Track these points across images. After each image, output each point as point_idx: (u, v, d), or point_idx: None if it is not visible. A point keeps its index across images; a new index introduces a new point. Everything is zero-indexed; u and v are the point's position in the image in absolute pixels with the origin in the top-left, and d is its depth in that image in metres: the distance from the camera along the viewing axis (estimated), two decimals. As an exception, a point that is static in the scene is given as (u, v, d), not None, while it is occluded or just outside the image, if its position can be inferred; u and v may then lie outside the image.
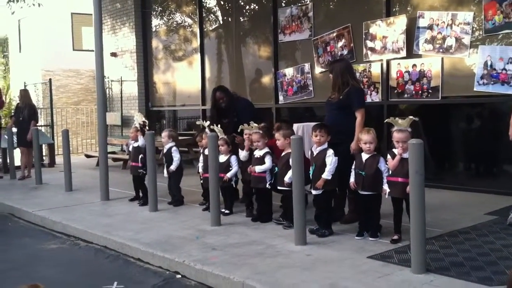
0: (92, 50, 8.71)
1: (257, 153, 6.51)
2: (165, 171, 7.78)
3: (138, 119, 8.17)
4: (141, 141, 7.82)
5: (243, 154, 6.85)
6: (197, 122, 6.82)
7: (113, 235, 6.35)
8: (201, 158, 7.40)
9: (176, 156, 7.67)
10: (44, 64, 19.97)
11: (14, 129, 11.77)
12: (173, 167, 7.64)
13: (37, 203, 8.47)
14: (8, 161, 11.88)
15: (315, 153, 5.81)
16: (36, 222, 7.76)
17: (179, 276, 5.15)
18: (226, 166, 6.86)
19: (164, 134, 7.88)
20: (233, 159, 6.92)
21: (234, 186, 7.00)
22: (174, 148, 7.74)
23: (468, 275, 4.30)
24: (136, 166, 7.92)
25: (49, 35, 19.85)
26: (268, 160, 6.39)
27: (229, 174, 6.82)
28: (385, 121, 5.66)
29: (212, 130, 6.94)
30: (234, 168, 6.90)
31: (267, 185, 6.41)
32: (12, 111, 12.87)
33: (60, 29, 20.00)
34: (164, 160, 7.86)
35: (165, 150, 7.81)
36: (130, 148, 8.21)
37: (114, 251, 6.11)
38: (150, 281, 5.11)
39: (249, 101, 8.56)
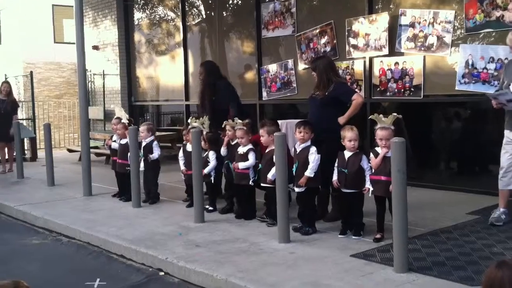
0: (74, 43, 8.64)
1: (241, 150, 6.52)
2: (141, 164, 7.61)
3: (121, 114, 8.13)
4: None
5: (222, 150, 6.86)
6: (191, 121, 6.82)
7: (96, 231, 6.34)
8: (181, 153, 7.37)
9: (156, 150, 7.62)
10: (25, 56, 19.74)
11: None
12: (155, 154, 7.56)
13: (19, 198, 8.41)
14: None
15: (298, 150, 5.83)
16: (18, 217, 7.71)
17: (162, 273, 5.16)
18: (205, 162, 6.85)
19: (143, 128, 7.77)
20: (211, 154, 6.92)
21: (212, 182, 7.00)
22: (155, 143, 7.68)
23: (449, 274, 4.36)
24: (124, 163, 7.75)
25: (30, 27, 19.61)
26: (251, 157, 6.41)
27: (206, 170, 6.82)
28: (369, 117, 5.69)
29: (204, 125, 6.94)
30: (212, 163, 6.89)
31: (250, 182, 6.42)
32: None
33: (41, 21, 19.77)
34: (141, 153, 7.74)
35: (144, 143, 7.71)
36: (114, 146, 8.11)
37: (97, 247, 6.10)
38: (133, 278, 5.11)
39: (232, 90, 8.38)
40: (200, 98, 8.11)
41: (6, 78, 14.09)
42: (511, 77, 5.76)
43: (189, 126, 7.13)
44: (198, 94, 8.30)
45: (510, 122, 5.79)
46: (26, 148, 13.68)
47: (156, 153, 7.60)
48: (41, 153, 12.40)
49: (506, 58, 6.77)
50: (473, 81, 7.42)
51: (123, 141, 7.82)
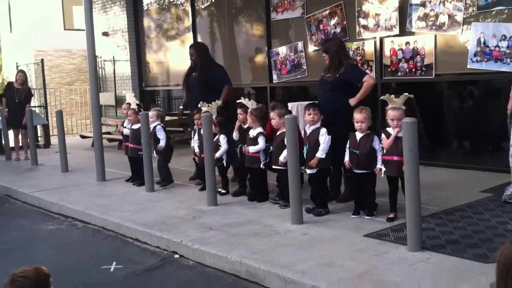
0: (84, 30, 8.65)
1: (251, 133, 6.54)
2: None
3: (131, 100, 8.15)
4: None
5: (234, 134, 6.88)
6: (238, 101, 6.86)
7: (110, 215, 6.40)
8: (196, 137, 7.40)
9: (161, 133, 7.65)
10: (35, 44, 19.79)
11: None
12: (162, 143, 7.61)
13: (34, 185, 8.49)
14: (3, 142, 11.83)
15: (308, 132, 5.83)
16: (33, 203, 7.78)
17: (177, 256, 5.21)
18: (215, 145, 6.86)
19: (152, 113, 7.81)
20: (222, 138, 6.94)
21: (224, 165, 7.02)
22: (158, 127, 7.68)
23: (463, 252, 4.36)
24: (136, 148, 7.77)
25: (40, 14, 19.65)
26: (261, 141, 6.41)
27: (218, 153, 6.84)
28: (380, 98, 5.67)
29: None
30: (223, 146, 6.92)
31: (261, 165, 6.44)
32: None
33: (51, 8, 19.81)
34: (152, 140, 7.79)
35: (150, 130, 7.75)
36: (125, 132, 8.15)
37: (111, 231, 6.15)
38: (148, 261, 5.16)
39: (224, 72, 8.46)
40: (186, 77, 8.25)
41: (17, 67, 14.17)
42: None
43: (203, 110, 7.14)
44: (185, 73, 8.39)
45: None
46: (39, 135, 13.78)
47: (162, 142, 7.62)
48: (54, 140, 12.49)
49: None
50: (485, 59, 7.36)
51: (135, 126, 7.83)
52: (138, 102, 8.19)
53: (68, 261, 5.31)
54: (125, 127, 8.18)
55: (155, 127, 7.69)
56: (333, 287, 3.89)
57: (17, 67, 13.99)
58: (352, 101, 6.06)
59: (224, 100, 7.63)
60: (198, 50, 8.22)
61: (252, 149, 6.42)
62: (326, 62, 6.37)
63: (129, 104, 8.22)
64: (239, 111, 6.88)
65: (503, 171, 6.23)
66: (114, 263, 5.09)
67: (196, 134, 7.41)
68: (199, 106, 7.07)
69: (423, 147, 5.83)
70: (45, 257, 5.39)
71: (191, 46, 8.35)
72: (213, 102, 7.03)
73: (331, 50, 6.30)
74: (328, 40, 7.21)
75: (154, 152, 7.68)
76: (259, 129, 6.48)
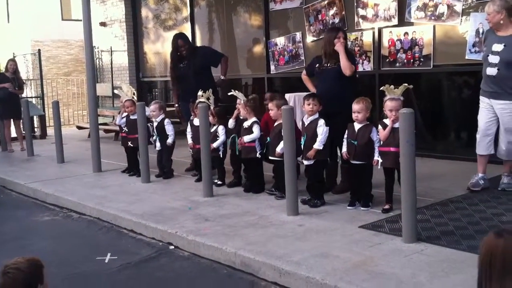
0: (81, 20, 8.59)
1: (246, 124, 6.51)
2: (157, 144, 7.69)
3: (127, 91, 8.10)
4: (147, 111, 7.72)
5: (230, 122, 6.85)
6: (229, 93, 6.88)
7: (106, 206, 6.37)
8: (189, 129, 7.36)
9: (170, 128, 7.62)
10: (33, 34, 19.73)
11: None
12: (170, 140, 7.59)
13: (29, 175, 8.46)
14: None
15: (306, 123, 5.80)
16: (29, 194, 7.76)
17: (172, 247, 5.19)
18: (213, 136, 6.84)
19: (155, 106, 7.77)
20: (220, 129, 6.91)
21: (221, 156, 6.99)
22: (166, 120, 7.67)
23: (458, 243, 4.35)
24: (134, 138, 7.71)
25: (37, 4, 19.57)
26: (256, 129, 6.39)
27: (215, 144, 6.81)
28: (380, 88, 5.62)
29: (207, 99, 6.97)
30: (221, 137, 6.88)
31: (257, 155, 6.41)
32: None
33: (49, -2, 19.75)
34: (155, 132, 7.77)
35: (155, 123, 7.73)
36: (120, 122, 8.08)
37: (107, 222, 6.14)
38: (143, 252, 5.15)
39: (212, 48, 8.91)
40: (173, 69, 8.28)
41: (14, 57, 14.07)
42: (489, 48, 5.80)
43: (197, 101, 7.11)
44: (171, 65, 8.42)
45: (486, 90, 5.89)
46: (35, 126, 13.72)
47: (170, 138, 7.59)
48: (50, 131, 12.47)
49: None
50: (484, 50, 7.30)
51: (133, 117, 7.76)
52: (133, 91, 8.14)
53: (63, 252, 5.29)
54: (123, 118, 8.09)
55: (162, 120, 7.64)
56: (328, 278, 3.87)
57: (13, 57, 13.90)
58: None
59: (225, 73, 8.10)
60: (186, 40, 8.30)
61: (247, 138, 6.39)
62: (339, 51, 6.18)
63: (130, 100, 8.05)
64: (238, 100, 6.85)
65: (499, 163, 6.21)
66: (109, 254, 5.08)
67: (189, 125, 7.37)
68: (198, 95, 7.05)
69: (420, 138, 5.79)
70: (40, 248, 5.37)
71: (178, 38, 8.25)
72: (207, 91, 7.02)
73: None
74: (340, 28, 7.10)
75: (159, 145, 7.63)
76: (254, 119, 6.46)
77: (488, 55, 5.79)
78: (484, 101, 5.94)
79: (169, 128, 7.62)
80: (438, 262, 4.01)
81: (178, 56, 8.17)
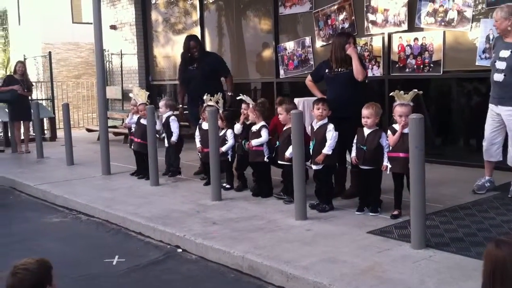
0: (92, 23, 8.64)
1: (254, 128, 6.52)
2: (165, 141, 7.75)
3: (140, 95, 8.12)
4: (158, 124, 7.76)
5: (237, 126, 6.86)
6: (238, 97, 6.93)
7: (114, 209, 6.39)
8: (197, 132, 7.38)
9: (174, 126, 7.64)
10: (43, 37, 19.80)
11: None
12: (174, 138, 7.62)
13: (39, 177, 8.50)
14: (9, 134, 11.83)
15: (315, 128, 5.80)
16: (38, 196, 7.79)
17: (180, 250, 5.19)
18: (222, 140, 6.85)
19: (162, 103, 7.83)
20: (229, 133, 6.91)
21: (230, 160, 7.00)
22: (172, 118, 7.70)
23: (467, 250, 4.33)
24: (143, 144, 7.69)
25: (48, 7, 19.65)
26: (264, 133, 6.40)
27: (224, 148, 6.82)
28: (390, 94, 5.61)
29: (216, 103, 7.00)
30: (230, 141, 6.89)
31: (265, 159, 6.41)
32: None
33: (59, 1, 19.82)
34: (163, 130, 7.82)
35: (163, 120, 7.77)
36: (130, 121, 8.15)
37: (115, 225, 6.15)
38: (151, 255, 5.15)
39: (222, 59, 8.90)
40: (182, 71, 8.38)
41: (25, 59, 14.16)
42: (497, 54, 5.85)
43: (205, 104, 7.14)
44: (180, 67, 8.53)
45: (494, 96, 5.92)
46: (45, 128, 13.79)
47: (175, 132, 7.61)
48: (60, 133, 12.51)
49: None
50: (494, 56, 7.27)
51: (144, 121, 7.77)
52: (147, 94, 8.15)
53: (71, 254, 5.31)
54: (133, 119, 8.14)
55: (168, 117, 7.68)
56: (335, 283, 3.86)
57: (24, 59, 13.98)
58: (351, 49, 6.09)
59: (232, 89, 8.11)
60: (198, 42, 8.40)
61: (255, 142, 6.40)
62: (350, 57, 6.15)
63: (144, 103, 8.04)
64: (243, 106, 6.87)
65: (510, 169, 6.18)
66: (117, 256, 5.09)
67: (197, 129, 7.39)
68: (204, 98, 7.10)
69: (429, 144, 5.79)
70: (49, 249, 5.40)
71: (191, 39, 8.35)
72: (215, 95, 7.05)
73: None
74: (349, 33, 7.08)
75: (166, 142, 7.68)
76: (262, 123, 6.47)
77: (495, 61, 5.83)
78: (491, 109, 5.98)
79: (173, 126, 7.64)
80: (447, 269, 3.99)
81: (189, 57, 8.21)
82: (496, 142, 6.01)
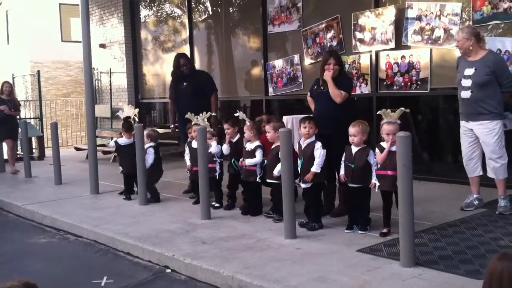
0: (81, 41, 8.64)
1: (249, 146, 6.50)
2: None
3: (129, 112, 8.11)
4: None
5: (224, 147, 6.83)
6: (235, 114, 6.90)
7: (102, 229, 6.34)
8: (187, 150, 7.36)
9: (149, 158, 7.56)
10: (32, 55, 19.79)
11: None
12: (147, 164, 7.54)
13: (27, 197, 8.43)
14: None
15: (303, 146, 5.80)
16: (26, 216, 7.73)
17: (168, 270, 5.16)
18: (211, 157, 6.83)
19: (144, 133, 7.76)
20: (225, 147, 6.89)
21: (216, 178, 6.98)
22: (150, 149, 7.60)
23: (456, 268, 4.33)
24: (129, 164, 7.72)
25: (37, 26, 19.66)
26: (258, 154, 6.38)
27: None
28: (377, 113, 5.64)
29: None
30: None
31: (258, 179, 6.40)
32: None
33: (48, 20, 19.83)
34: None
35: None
36: (110, 145, 8.13)
37: (104, 245, 6.10)
38: (140, 275, 5.11)
39: (211, 76, 9.06)
40: (174, 88, 8.44)
41: (13, 78, 14.10)
42: (462, 73, 6.10)
43: (192, 123, 7.14)
44: (171, 84, 8.61)
45: (463, 112, 6.17)
46: (33, 147, 13.71)
47: (148, 162, 7.54)
48: (48, 152, 12.43)
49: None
50: (480, 74, 7.34)
51: (123, 142, 7.88)
52: (135, 112, 8.16)
53: (59, 275, 5.25)
54: (115, 141, 8.11)
55: (147, 148, 7.61)
56: (325, 303, 3.85)
57: (13, 78, 13.92)
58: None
59: (216, 108, 8.18)
60: (187, 59, 8.49)
61: (248, 161, 6.38)
62: (334, 73, 6.19)
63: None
64: (225, 126, 6.86)
65: (495, 186, 6.21)
66: (105, 277, 5.04)
67: (187, 147, 7.37)
68: (186, 117, 7.13)
69: (417, 161, 5.82)
70: (36, 270, 5.34)
71: (181, 57, 8.46)
72: (201, 114, 7.05)
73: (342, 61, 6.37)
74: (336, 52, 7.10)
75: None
76: (257, 143, 6.45)
77: (461, 79, 6.09)
78: (463, 125, 6.22)
79: (148, 158, 7.55)
80: (436, 287, 3.99)
81: (179, 75, 8.23)
82: (474, 157, 6.21)
